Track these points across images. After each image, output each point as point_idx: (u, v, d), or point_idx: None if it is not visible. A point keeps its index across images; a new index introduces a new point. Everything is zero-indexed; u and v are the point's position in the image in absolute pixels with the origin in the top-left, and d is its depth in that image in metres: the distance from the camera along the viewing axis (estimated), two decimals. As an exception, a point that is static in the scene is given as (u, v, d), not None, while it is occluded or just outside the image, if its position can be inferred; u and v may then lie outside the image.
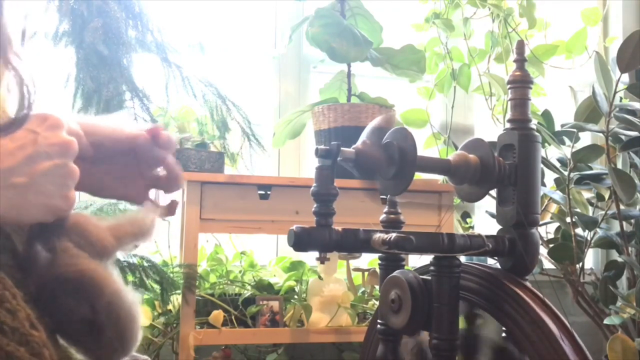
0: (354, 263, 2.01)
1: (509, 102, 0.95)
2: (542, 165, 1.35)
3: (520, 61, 0.94)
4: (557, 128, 2.13)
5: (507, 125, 0.94)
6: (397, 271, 0.95)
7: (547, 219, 2.23)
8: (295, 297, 1.91)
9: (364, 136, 0.88)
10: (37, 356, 0.57)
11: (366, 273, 1.95)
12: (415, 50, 2.08)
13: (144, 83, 1.59)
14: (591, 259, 2.62)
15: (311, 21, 1.94)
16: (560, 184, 2.10)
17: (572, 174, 1.99)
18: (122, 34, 1.55)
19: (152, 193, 0.82)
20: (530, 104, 0.94)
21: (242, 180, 1.74)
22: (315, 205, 0.84)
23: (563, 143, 2.10)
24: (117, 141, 0.77)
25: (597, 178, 2.01)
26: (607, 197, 2.10)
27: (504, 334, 0.94)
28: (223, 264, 1.93)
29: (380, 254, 1.05)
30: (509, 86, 0.95)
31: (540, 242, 1.75)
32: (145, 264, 1.58)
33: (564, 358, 0.79)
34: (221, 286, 1.87)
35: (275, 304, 1.80)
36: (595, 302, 2.11)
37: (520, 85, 0.93)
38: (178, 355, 1.73)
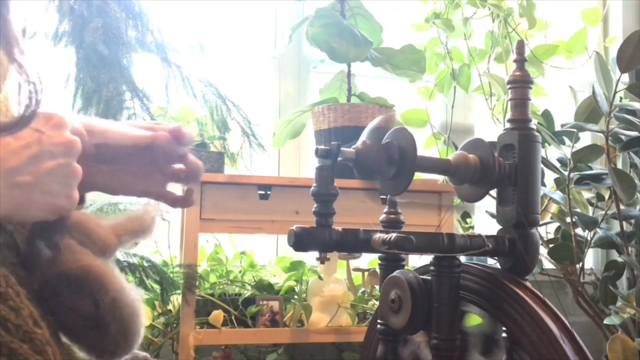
0: (354, 263, 2.01)
1: (509, 102, 0.95)
2: (542, 165, 1.35)
3: (520, 61, 0.94)
4: (557, 128, 2.13)
5: (507, 125, 0.94)
6: (397, 271, 0.95)
7: (547, 219, 2.23)
8: (295, 297, 1.91)
9: (364, 136, 0.88)
10: (41, 353, 0.58)
11: (366, 273, 1.95)
12: (415, 50, 2.08)
13: (144, 83, 1.59)
14: (591, 259, 2.62)
15: (311, 21, 1.94)
16: (560, 184, 2.10)
17: (572, 174, 1.99)
18: (122, 34, 1.55)
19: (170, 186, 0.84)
20: (530, 104, 0.94)
21: (242, 180, 1.74)
22: (315, 205, 0.84)
23: (563, 143, 2.10)
24: (134, 141, 0.78)
25: (597, 178, 2.01)
26: (607, 197, 2.10)
27: (504, 334, 0.94)
28: (223, 264, 1.93)
29: (380, 254, 1.05)
30: (509, 86, 0.95)
31: (540, 242, 1.75)
32: (145, 264, 1.58)
33: (564, 358, 0.79)
34: (221, 286, 1.87)
35: (275, 304, 1.80)
36: (595, 302, 2.11)
37: (520, 85, 0.93)
38: (178, 355, 1.73)
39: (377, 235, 0.83)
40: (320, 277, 1.90)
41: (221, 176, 1.73)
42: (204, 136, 1.80)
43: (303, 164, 2.34)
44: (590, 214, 2.09)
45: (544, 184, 2.12)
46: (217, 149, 1.79)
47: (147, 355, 0.77)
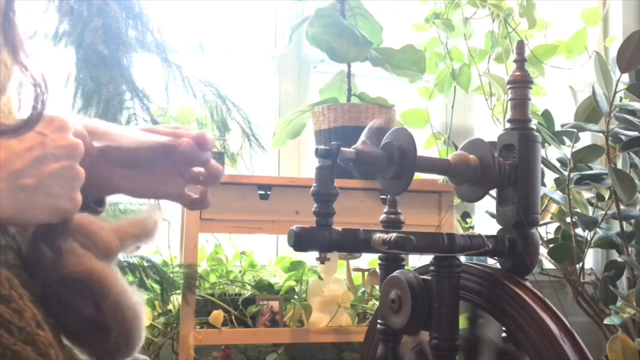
0: (354, 263, 2.01)
1: (509, 102, 0.95)
2: (542, 165, 1.35)
3: (520, 61, 0.94)
4: (557, 128, 2.13)
5: (507, 125, 0.94)
6: (397, 271, 0.95)
7: (547, 219, 2.23)
8: (295, 297, 1.91)
9: (364, 136, 0.88)
10: (43, 356, 0.58)
11: (366, 273, 1.95)
12: (415, 50, 2.08)
13: (144, 83, 1.59)
14: (591, 259, 2.62)
15: (311, 21, 1.94)
16: (560, 184, 2.10)
17: (572, 174, 1.99)
18: (122, 34, 1.55)
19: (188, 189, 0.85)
20: (530, 104, 0.94)
21: (242, 180, 1.74)
22: (315, 205, 0.84)
23: (563, 143, 2.10)
24: (157, 147, 0.79)
25: (597, 178, 2.01)
26: (607, 197, 2.10)
27: (504, 334, 0.94)
28: (223, 264, 1.93)
29: (380, 254, 1.05)
30: (509, 86, 0.95)
31: (540, 242, 1.75)
32: (145, 264, 1.58)
33: (564, 358, 0.79)
34: (221, 286, 1.87)
35: (275, 304, 1.80)
36: (595, 302, 2.11)
37: (520, 85, 0.93)
38: (178, 355, 1.73)
39: (377, 235, 0.84)
40: (320, 277, 1.90)
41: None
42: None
43: (303, 164, 2.34)
44: (590, 214, 2.09)
45: (544, 184, 2.12)
46: (217, 149, 1.79)
47: (147, 359, 0.77)
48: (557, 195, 2.04)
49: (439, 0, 2.34)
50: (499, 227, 0.95)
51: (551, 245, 2.12)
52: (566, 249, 2.07)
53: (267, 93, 2.36)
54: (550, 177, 2.17)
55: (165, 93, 1.62)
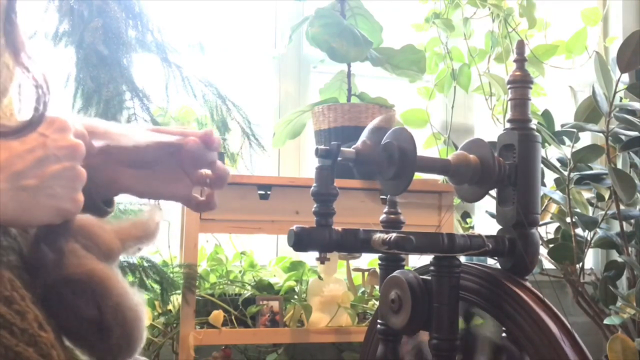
0: (354, 263, 2.01)
1: (509, 102, 0.95)
2: (542, 165, 1.35)
3: (520, 61, 0.94)
4: (557, 128, 2.13)
5: (507, 125, 0.94)
6: (397, 271, 0.95)
7: (547, 219, 2.23)
8: (295, 297, 1.91)
9: (364, 136, 0.88)
10: (46, 357, 0.58)
11: (366, 273, 1.95)
12: (415, 50, 2.08)
13: (144, 83, 1.59)
14: (591, 259, 2.62)
15: (311, 21, 1.94)
16: (560, 184, 2.10)
17: (572, 174, 1.99)
18: (122, 34, 1.55)
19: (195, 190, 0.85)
20: (530, 104, 0.94)
21: (242, 180, 1.74)
22: (315, 205, 0.84)
23: (563, 143, 2.10)
24: (163, 146, 0.79)
25: (597, 178, 2.01)
26: (607, 197, 2.10)
27: (504, 334, 0.94)
28: (223, 264, 1.93)
29: (380, 254, 1.05)
30: (509, 86, 0.95)
31: (540, 242, 1.75)
32: (145, 264, 1.58)
33: (564, 358, 0.79)
34: (221, 286, 1.87)
35: (275, 304, 1.80)
36: (595, 302, 2.11)
37: (520, 85, 0.93)
38: (178, 355, 1.73)
39: (377, 235, 0.84)
40: (320, 277, 1.90)
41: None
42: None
43: (303, 164, 2.34)
44: (590, 214, 2.09)
45: (544, 184, 2.12)
46: (217, 149, 1.79)
47: None
48: (557, 195, 2.04)
49: (439, 0, 2.34)
50: (499, 227, 0.95)
51: (551, 245, 2.12)
52: (566, 249, 2.07)
53: (267, 93, 2.36)
54: (550, 177, 2.17)
55: (165, 93, 1.62)
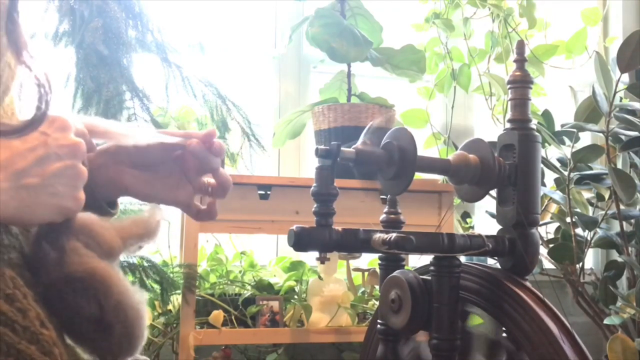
0: (354, 263, 2.01)
1: (509, 102, 0.95)
2: (542, 165, 1.35)
3: (520, 61, 0.94)
4: (557, 128, 2.13)
5: (507, 125, 0.94)
6: (397, 271, 0.95)
7: (547, 219, 2.23)
8: (295, 297, 1.91)
9: (363, 136, 0.88)
10: (48, 354, 0.58)
11: (366, 273, 1.95)
12: (415, 50, 2.08)
13: (144, 83, 1.59)
14: (591, 259, 2.62)
15: (311, 21, 1.94)
16: (560, 184, 2.10)
17: (572, 174, 1.99)
18: (122, 34, 1.55)
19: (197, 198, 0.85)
20: (530, 104, 0.94)
21: (242, 180, 1.74)
22: (315, 205, 0.84)
23: (563, 143, 2.10)
24: (167, 147, 0.79)
25: (597, 178, 2.01)
26: (607, 197, 2.10)
27: (504, 334, 0.94)
28: (223, 264, 1.93)
29: (380, 254, 1.05)
30: (509, 86, 0.95)
31: (540, 242, 1.75)
32: (145, 264, 1.58)
33: (564, 358, 0.79)
34: (221, 286, 1.87)
35: (275, 304, 1.80)
36: (595, 302, 2.11)
37: (520, 85, 0.93)
38: (178, 355, 1.73)
39: (377, 235, 0.84)
40: (320, 277, 1.90)
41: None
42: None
43: (303, 164, 2.34)
44: (590, 214, 2.09)
45: (544, 184, 2.12)
46: (217, 149, 1.79)
47: (147, 359, 0.77)
48: (557, 195, 2.04)
49: (439, 0, 2.34)
50: (499, 227, 0.95)
51: (551, 245, 2.12)
52: (566, 249, 2.07)
53: (267, 93, 2.36)
54: (550, 177, 2.17)
55: (165, 93, 1.62)
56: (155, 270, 1.58)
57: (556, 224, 2.22)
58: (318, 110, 1.99)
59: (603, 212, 2.07)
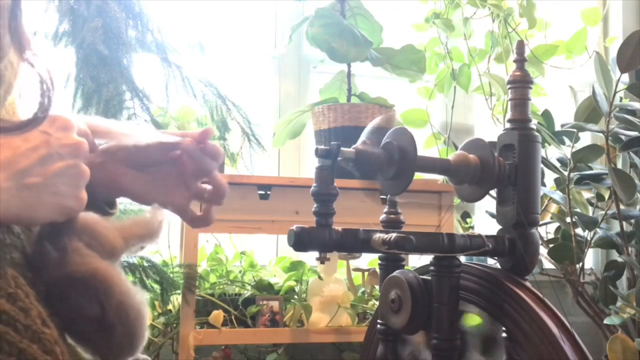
0: (354, 263, 2.01)
1: (509, 102, 0.95)
2: (542, 165, 1.35)
3: (520, 61, 0.94)
4: (557, 128, 2.13)
5: (507, 125, 0.94)
6: (397, 271, 0.95)
7: (547, 219, 2.23)
8: (295, 297, 1.91)
9: (364, 136, 0.88)
10: (49, 353, 0.58)
11: (366, 273, 1.95)
12: (415, 50, 2.08)
13: (144, 83, 1.59)
14: (591, 259, 2.62)
15: (311, 21, 1.94)
16: (560, 184, 2.10)
17: (572, 174, 1.99)
18: (122, 34, 1.55)
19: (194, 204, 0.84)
20: (530, 104, 0.94)
21: (242, 180, 1.74)
22: (315, 205, 0.84)
23: (563, 143, 2.10)
24: (164, 147, 0.78)
25: (597, 178, 2.01)
26: (607, 197, 2.10)
27: (504, 334, 0.94)
28: (223, 264, 1.93)
29: (380, 254, 1.05)
30: (509, 86, 0.95)
31: (540, 242, 1.75)
32: (145, 264, 1.58)
33: (564, 358, 0.79)
34: (221, 286, 1.87)
35: (275, 304, 1.80)
36: (595, 302, 2.11)
37: (520, 85, 0.93)
38: (178, 355, 1.73)
39: (377, 235, 0.84)
40: (320, 277, 1.90)
41: (221, 176, 1.73)
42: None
43: (303, 164, 2.34)
44: (590, 214, 2.09)
45: (544, 184, 2.12)
46: (217, 149, 1.79)
47: (148, 358, 0.77)
48: (557, 195, 2.04)
49: (439, 0, 2.34)
50: (499, 227, 0.95)
51: (551, 245, 2.12)
52: (566, 249, 2.07)
53: (267, 93, 2.36)
54: (550, 177, 2.17)
55: (165, 93, 1.62)
56: (155, 270, 1.58)
57: (556, 224, 2.22)
58: (318, 110, 1.99)
59: (603, 212, 2.07)
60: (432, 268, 0.90)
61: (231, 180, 1.73)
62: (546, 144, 2.09)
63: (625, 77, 2.07)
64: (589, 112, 2.03)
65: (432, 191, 1.91)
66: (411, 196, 1.82)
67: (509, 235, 0.92)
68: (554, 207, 2.22)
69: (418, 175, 1.02)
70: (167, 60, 1.63)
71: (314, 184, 0.83)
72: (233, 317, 1.79)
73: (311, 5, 2.13)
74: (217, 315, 1.71)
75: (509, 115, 0.95)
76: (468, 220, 2.33)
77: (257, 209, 1.76)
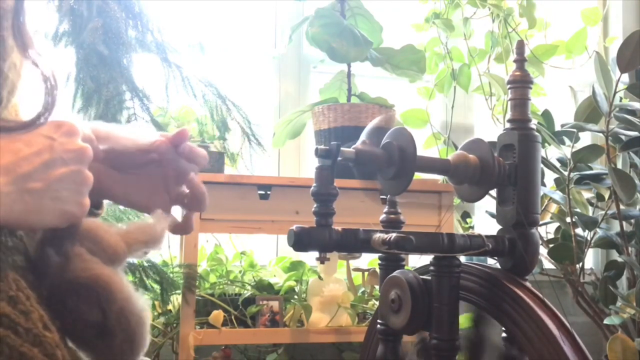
0: (354, 263, 2.01)
1: (509, 102, 0.95)
2: (542, 165, 1.35)
3: (520, 61, 0.94)
4: (557, 128, 2.13)
5: (507, 125, 0.94)
6: (397, 271, 0.95)
7: (547, 219, 2.23)
8: (295, 297, 1.91)
9: (363, 136, 0.88)
10: (50, 357, 0.58)
11: (366, 273, 1.96)
12: (415, 50, 2.08)
13: (144, 83, 1.59)
14: (591, 259, 2.62)
15: (311, 21, 1.94)
16: (560, 184, 2.10)
17: (572, 174, 1.99)
18: (122, 34, 1.55)
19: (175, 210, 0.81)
20: (530, 104, 0.94)
21: (242, 180, 1.74)
22: (315, 205, 0.84)
23: (563, 143, 2.10)
24: (141, 148, 0.77)
25: (597, 178, 2.01)
26: (607, 197, 2.10)
27: (504, 334, 0.94)
28: (223, 264, 1.93)
29: (380, 254, 1.05)
30: (509, 86, 0.95)
31: (540, 242, 1.75)
32: (145, 264, 1.57)
33: (564, 358, 0.79)
34: (221, 286, 1.87)
35: (275, 304, 1.80)
36: (595, 302, 2.11)
37: (520, 85, 0.93)
38: (178, 355, 1.73)
39: (377, 235, 0.84)
40: (320, 277, 1.90)
41: (221, 176, 1.73)
42: (204, 136, 1.80)
43: (303, 164, 2.34)
44: (590, 214, 2.09)
45: (544, 184, 2.12)
46: (217, 149, 1.79)
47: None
48: (557, 195, 2.04)
49: (439, 0, 2.34)
50: (499, 227, 0.95)
51: (551, 245, 2.12)
52: (566, 249, 2.07)
53: (267, 93, 2.36)
54: (550, 177, 2.17)
55: (165, 93, 1.62)
56: (155, 270, 1.58)
57: (556, 224, 2.22)
58: (318, 110, 1.99)
59: (603, 212, 2.07)
60: (432, 268, 0.90)
61: (231, 180, 1.73)
62: (546, 144, 2.09)
63: (625, 77, 2.07)
64: (589, 112, 2.03)
65: (432, 191, 1.91)
66: (411, 196, 1.82)
67: (509, 235, 0.92)
68: (554, 207, 2.22)
69: (418, 175, 1.02)
70: (167, 60, 1.63)
71: (314, 184, 0.83)
72: (233, 317, 1.79)
73: (311, 5, 2.13)
74: (217, 315, 1.71)
75: (509, 115, 0.95)
76: (468, 220, 2.33)
77: (257, 209, 1.76)
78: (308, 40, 1.99)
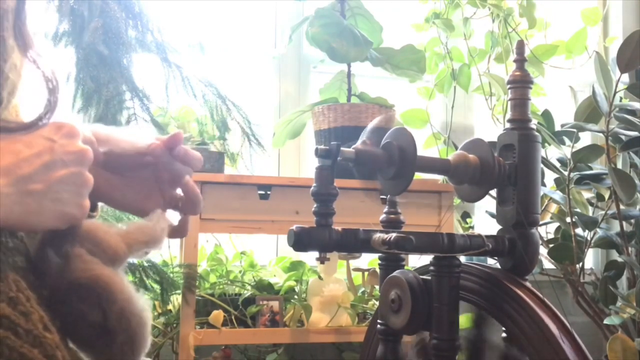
0: (354, 263, 2.01)
1: (509, 102, 0.95)
2: (542, 165, 1.35)
3: (520, 61, 0.94)
4: (557, 128, 2.13)
5: (507, 125, 0.94)
6: (397, 271, 0.95)
7: (547, 219, 2.23)
8: (295, 297, 1.91)
9: (363, 136, 0.88)
10: (50, 358, 0.58)
11: (366, 273, 1.96)
12: (415, 50, 2.08)
13: (144, 83, 1.59)
14: (591, 259, 2.62)
15: (311, 21, 1.94)
16: (560, 184, 2.10)
17: (572, 174, 1.99)
18: (122, 34, 1.55)
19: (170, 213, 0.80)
20: (530, 104, 0.94)
21: (242, 180, 1.74)
22: (315, 205, 0.84)
23: (563, 143, 2.10)
24: (138, 151, 0.76)
25: (597, 178, 2.01)
26: (607, 197, 2.10)
27: (504, 334, 0.94)
28: (223, 264, 1.93)
29: (380, 254, 1.05)
30: (509, 86, 0.95)
31: (540, 242, 1.75)
32: (145, 264, 1.57)
33: (564, 358, 0.79)
34: (221, 286, 1.87)
35: (275, 304, 1.80)
36: (595, 302, 2.11)
37: (520, 85, 0.93)
38: (178, 355, 1.73)
39: (377, 235, 0.84)
40: (320, 277, 1.90)
41: (221, 176, 1.73)
42: (204, 136, 1.80)
43: (303, 164, 2.34)
44: (590, 214, 2.09)
45: (544, 184, 2.12)
46: (217, 149, 1.79)
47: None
48: (557, 195, 2.04)
49: (439, 0, 2.34)
50: (499, 227, 0.95)
51: (551, 245, 2.12)
52: (566, 249, 2.07)
53: (267, 93, 2.36)
54: (550, 177, 2.17)
55: (165, 93, 1.62)
56: (155, 270, 1.58)
57: (556, 224, 2.22)
58: (318, 110, 1.99)
59: (603, 212, 2.07)
60: (432, 268, 0.90)
61: (231, 180, 1.73)
62: (546, 144, 2.09)
63: (625, 77, 2.07)
64: (589, 112, 2.03)
65: (432, 191, 1.91)
66: (411, 196, 1.82)
67: (509, 235, 0.92)
68: (554, 207, 2.22)
69: (418, 175, 1.02)
70: (167, 60, 1.63)
71: (314, 184, 0.83)
72: (233, 317, 1.79)
73: (311, 5, 2.13)
74: (217, 315, 1.71)
75: (509, 115, 0.95)
76: (468, 220, 2.33)
77: (257, 209, 1.76)
78: (308, 40, 1.99)
